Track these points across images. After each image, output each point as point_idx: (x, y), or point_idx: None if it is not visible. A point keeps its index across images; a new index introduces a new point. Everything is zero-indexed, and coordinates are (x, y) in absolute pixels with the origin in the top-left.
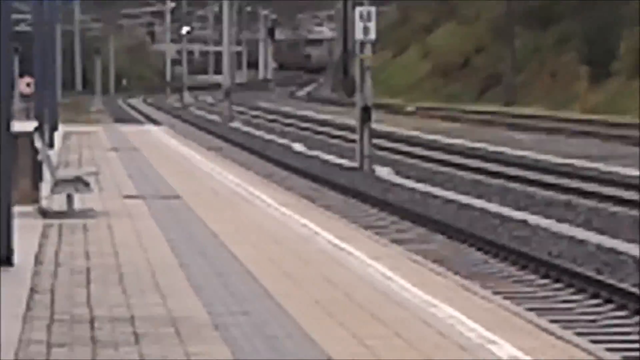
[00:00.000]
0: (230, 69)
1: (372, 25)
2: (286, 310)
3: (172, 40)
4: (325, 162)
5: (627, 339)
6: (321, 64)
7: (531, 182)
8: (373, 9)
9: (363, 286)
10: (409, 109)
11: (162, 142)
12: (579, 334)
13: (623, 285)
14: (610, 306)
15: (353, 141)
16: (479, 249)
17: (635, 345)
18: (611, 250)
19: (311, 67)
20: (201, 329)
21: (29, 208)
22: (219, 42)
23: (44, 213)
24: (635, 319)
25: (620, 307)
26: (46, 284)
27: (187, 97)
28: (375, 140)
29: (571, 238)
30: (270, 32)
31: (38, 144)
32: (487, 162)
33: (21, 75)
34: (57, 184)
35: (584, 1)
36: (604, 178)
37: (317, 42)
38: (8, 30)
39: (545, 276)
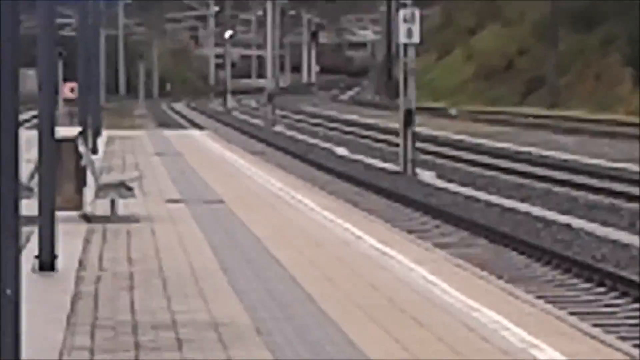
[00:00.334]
0: (274, 72)
1: (415, 27)
2: (328, 315)
3: (216, 44)
4: (368, 165)
5: None
6: (363, 67)
7: (575, 186)
8: (417, 12)
9: (405, 290)
10: (452, 111)
11: (205, 146)
12: (623, 338)
13: None
14: None
15: (396, 145)
16: (521, 253)
17: None
18: None
19: (353, 70)
20: (244, 333)
21: (72, 213)
22: (262, 46)
23: (88, 218)
24: None
25: None
26: (89, 289)
27: (231, 101)
28: (418, 144)
29: (615, 242)
30: (314, 36)
31: (82, 149)
32: (530, 165)
33: (65, 80)
34: (101, 189)
35: (628, 2)
36: None
37: (360, 45)
38: (53, 35)
39: (588, 280)
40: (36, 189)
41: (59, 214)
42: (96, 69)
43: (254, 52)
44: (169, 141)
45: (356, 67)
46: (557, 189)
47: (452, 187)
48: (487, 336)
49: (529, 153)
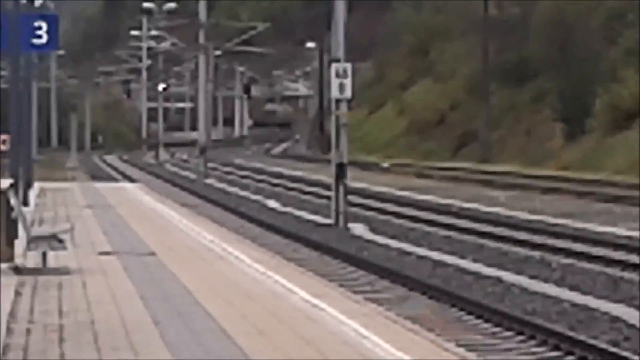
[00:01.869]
0: (206, 125)
1: (348, 82)
2: None
3: (148, 97)
4: (300, 218)
5: None
6: (287, 120)
7: (505, 239)
8: (349, 66)
9: (337, 344)
10: (384, 165)
11: (137, 199)
12: None
13: (596, 342)
14: None
15: (327, 197)
16: (453, 306)
17: None
18: (585, 307)
19: (277, 122)
20: None
21: (3, 265)
22: (195, 99)
23: (18, 270)
24: None
25: None
26: (20, 342)
27: (163, 154)
28: (350, 197)
29: (545, 295)
30: (246, 89)
31: (12, 201)
32: (460, 218)
33: None
34: (32, 241)
35: (559, 59)
36: (577, 235)
37: (292, 98)
38: None
39: (519, 333)
40: None
41: None
42: (28, 121)
43: (187, 105)
44: (101, 194)
45: (280, 119)
46: (487, 242)
47: (384, 240)
48: None
49: (460, 207)
